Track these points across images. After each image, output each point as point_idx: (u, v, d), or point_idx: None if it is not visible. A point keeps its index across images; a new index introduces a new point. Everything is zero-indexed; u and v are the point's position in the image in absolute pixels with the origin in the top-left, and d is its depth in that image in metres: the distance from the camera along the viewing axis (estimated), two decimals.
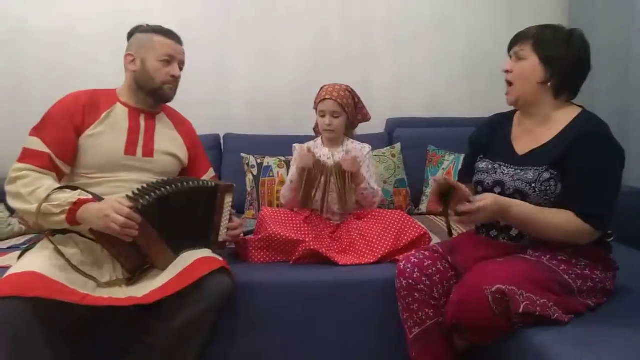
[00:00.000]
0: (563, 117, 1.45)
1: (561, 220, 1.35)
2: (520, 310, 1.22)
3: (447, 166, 2.55)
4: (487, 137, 1.61)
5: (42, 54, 2.74)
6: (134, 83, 1.66)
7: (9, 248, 1.94)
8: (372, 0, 2.90)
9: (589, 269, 1.38)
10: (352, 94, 1.99)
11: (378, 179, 2.21)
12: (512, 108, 1.60)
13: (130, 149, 1.63)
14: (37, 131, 1.56)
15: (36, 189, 1.46)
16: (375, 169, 2.07)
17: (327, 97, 1.93)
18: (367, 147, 2.03)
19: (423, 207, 2.56)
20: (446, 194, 1.38)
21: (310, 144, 2.05)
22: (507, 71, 1.49)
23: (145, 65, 1.64)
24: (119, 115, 1.65)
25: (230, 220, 1.69)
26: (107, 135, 1.61)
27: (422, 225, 1.87)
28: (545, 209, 1.38)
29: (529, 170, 1.42)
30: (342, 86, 1.98)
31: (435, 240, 1.85)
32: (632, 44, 2.36)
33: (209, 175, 1.85)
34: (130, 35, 1.70)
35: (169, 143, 1.73)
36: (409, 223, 1.81)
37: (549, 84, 1.44)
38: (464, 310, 1.29)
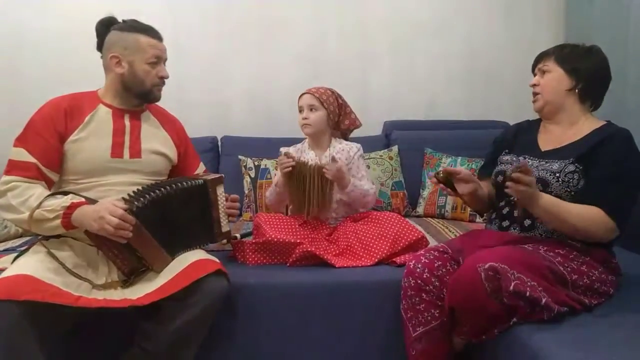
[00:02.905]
0: (589, 125, 1.53)
1: (588, 213, 1.39)
2: (511, 288, 1.25)
3: None
4: (512, 139, 1.69)
5: (41, 55, 2.75)
6: (121, 85, 1.62)
7: (5, 250, 1.93)
8: (370, 3, 2.91)
9: (586, 266, 1.40)
10: (335, 95, 1.98)
11: (370, 179, 2.19)
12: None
13: (116, 151, 1.59)
14: (21, 141, 1.53)
15: (27, 198, 1.45)
16: (366, 168, 2.05)
17: (304, 92, 1.95)
18: (355, 147, 2.00)
19: (420, 209, 2.56)
20: (448, 182, 1.51)
21: (298, 146, 2.05)
22: (534, 85, 1.59)
23: (134, 68, 1.59)
24: (103, 117, 1.61)
25: (227, 201, 1.68)
26: (91, 139, 1.57)
27: (420, 228, 1.87)
28: (572, 204, 1.42)
29: (554, 162, 1.48)
30: (324, 87, 1.98)
31: (432, 242, 1.85)
32: (629, 48, 2.37)
33: (199, 170, 1.82)
34: (102, 30, 1.63)
35: (156, 142, 1.69)
36: (406, 227, 1.80)
37: (576, 90, 1.53)
38: (459, 291, 1.33)
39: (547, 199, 1.40)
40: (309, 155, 1.99)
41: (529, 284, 1.28)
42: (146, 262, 1.52)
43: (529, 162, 1.52)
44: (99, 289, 1.45)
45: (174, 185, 1.54)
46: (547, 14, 2.93)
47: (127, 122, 1.64)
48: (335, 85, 2.01)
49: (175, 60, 2.80)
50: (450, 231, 2.15)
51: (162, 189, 1.52)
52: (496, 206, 1.63)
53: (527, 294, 1.26)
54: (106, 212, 1.39)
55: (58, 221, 1.43)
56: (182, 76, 2.84)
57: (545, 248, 1.41)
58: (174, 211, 1.54)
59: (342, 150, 1.99)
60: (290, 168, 1.82)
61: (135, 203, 1.46)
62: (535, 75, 1.62)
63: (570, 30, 2.82)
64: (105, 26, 1.63)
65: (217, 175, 1.65)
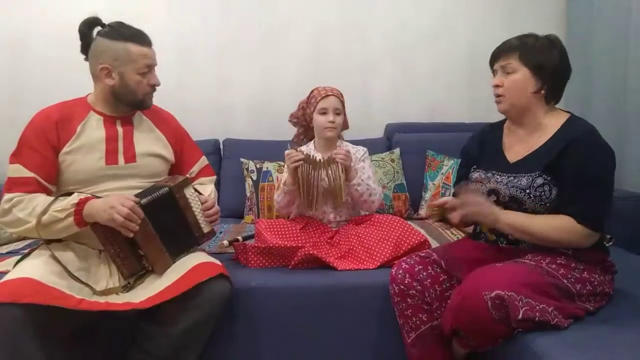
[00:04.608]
0: (553, 122, 1.47)
1: (556, 222, 1.36)
2: (520, 316, 1.22)
3: (445, 171, 2.55)
4: (478, 148, 1.63)
5: (41, 60, 2.75)
6: (111, 96, 1.59)
7: (8, 253, 1.93)
8: (372, 6, 2.91)
9: (587, 272, 1.38)
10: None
11: (377, 182, 2.17)
12: (502, 118, 1.63)
13: (110, 158, 1.58)
14: (16, 157, 1.52)
15: (33, 208, 1.46)
16: (373, 171, 2.04)
17: (329, 93, 1.92)
18: (361, 150, 2.01)
19: (422, 212, 2.56)
20: (444, 217, 1.47)
21: (303, 148, 2.02)
22: (497, 86, 1.49)
23: (125, 80, 1.56)
24: (94, 125, 1.59)
25: (202, 207, 1.64)
26: (84, 149, 1.56)
27: (422, 232, 1.87)
28: (539, 215, 1.40)
29: (522, 177, 1.44)
30: (334, 87, 1.97)
31: (434, 245, 1.85)
32: (629, 48, 2.37)
33: (200, 165, 1.81)
34: (86, 31, 1.57)
35: (150, 143, 1.67)
36: (409, 230, 1.80)
37: (542, 91, 1.45)
38: (463, 316, 1.30)
39: (509, 215, 1.40)
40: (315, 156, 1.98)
41: (537, 307, 1.24)
42: (148, 261, 1.52)
43: (498, 178, 1.49)
44: (99, 294, 1.45)
45: (147, 197, 1.51)
46: (548, 17, 2.92)
47: (119, 128, 1.62)
48: (337, 88, 2.00)
49: (178, 63, 2.84)
50: (453, 234, 2.15)
51: (148, 197, 1.51)
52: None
53: (537, 319, 1.23)
54: (117, 202, 1.42)
55: (70, 219, 1.44)
56: (184, 79, 2.86)
57: (547, 260, 1.38)
58: (161, 217, 1.53)
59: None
60: (300, 162, 1.80)
61: (144, 199, 1.48)
62: (495, 72, 1.51)
63: (572, 32, 2.82)
64: (89, 27, 1.58)
65: (180, 179, 1.61)
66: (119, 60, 1.54)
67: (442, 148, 2.65)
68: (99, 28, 1.59)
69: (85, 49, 1.60)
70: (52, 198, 1.49)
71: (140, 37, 1.57)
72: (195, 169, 1.80)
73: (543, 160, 1.42)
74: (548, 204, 1.40)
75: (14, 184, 1.50)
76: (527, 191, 1.41)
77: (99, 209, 1.44)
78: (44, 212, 1.44)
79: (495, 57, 1.50)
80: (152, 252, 1.51)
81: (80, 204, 1.45)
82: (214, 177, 1.88)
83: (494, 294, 1.23)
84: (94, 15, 1.59)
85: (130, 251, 1.51)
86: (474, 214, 1.43)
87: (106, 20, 1.60)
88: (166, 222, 1.55)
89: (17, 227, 1.48)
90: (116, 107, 1.62)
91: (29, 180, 1.50)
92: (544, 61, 1.43)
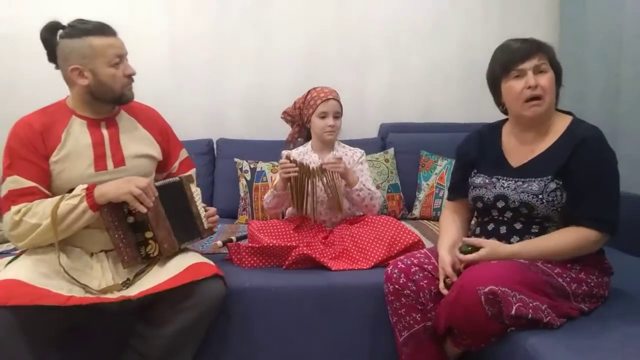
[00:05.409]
0: (557, 125, 1.47)
1: (571, 239, 1.36)
2: (513, 312, 1.22)
3: (439, 171, 2.56)
4: (476, 151, 1.60)
5: (35, 58, 2.71)
6: (89, 96, 1.55)
7: (0, 253, 1.92)
8: (367, 6, 2.91)
9: (584, 273, 1.38)
10: None
11: (374, 184, 2.18)
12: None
13: (99, 164, 1.55)
14: (10, 169, 1.48)
15: (43, 209, 1.44)
16: (370, 173, 2.05)
17: (330, 97, 1.92)
18: (358, 152, 2.01)
19: (416, 212, 2.56)
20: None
21: (300, 149, 2.03)
22: (535, 87, 1.40)
23: (97, 76, 1.51)
24: (78, 130, 1.56)
25: (205, 213, 1.72)
26: (72, 157, 1.53)
27: (416, 232, 1.87)
28: (549, 236, 1.39)
29: (532, 182, 1.42)
30: (333, 89, 1.97)
31: (428, 245, 1.85)
32: (622, 49, 2.38)
33: (181, 157, 1.81)
34: (48, 37, 1.54)
35: (137, 144, 1.65)
36: (403, 230, 1.79)
37: (558, 96, 1.47)
38: (457, 311, 1.30)
39: (513, 252, 1.38)
40: (312, 158, 1.98)
41: (531, 304, 1.24)
42: (156, 241, 1.52)
43: (504, 184, 1.47)
44: (95, 293, 1.43)
45: (160, 181, 1.60)
46: (542, 18, 2.93)
47: (104, 131, 1.59)
48: (332, 87, 2.00)
49: (172, 62, 2.83)
50: None
51: (160, 181, 1.58)
52: (480, 222, 1.58)
53: (530, 316, 1.23)
54: (134, 177, 1.49)
55: (84, 204, 1.44)
56: (178, 79, 2.84)
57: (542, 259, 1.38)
58: (171, 202, 1.56)
59: (345, 155, 1.99)
60: (293, 174, 1.80)
61: (156, 183, 1.53)
62: (523, 72, 1.41)
63: (565, 32, 2.83)
64: (51, 33, 1.54)
65: (188, 173, 1.74)
66: (87, 58, 1.50)
67: (436, 148, 2.66)
68: (61, 32, 1.54)
69: (52, 56, 1.56)
70: (59, 197, 1.48)
71: (101, 29, 1.52)
72: (176, 163, 1.80)
73: (553, 164, 1.41)
74: (559, 209, 1.40)
75: (18, 196, 1.46)
76: (540, 196, 1.39)
77: (112, 186, 1.46)
78: (57, 206, 1.43)
79: (527, 55, 1.41)
80: (161, 233, 1.53)
81: (90, 188, 1.46)
82: (194, 169, 1.87)
83: (487, 289, 1.23)
84: (54, 20, 1.55)
85: (133, 238, 1.52)
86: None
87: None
88: (175, 207, 1.59)
89: (30, 234, 1.45)
90: (97, 107, 1.59)
91: (31, 189, 1.47)
92: (559, 67, 1.46)
